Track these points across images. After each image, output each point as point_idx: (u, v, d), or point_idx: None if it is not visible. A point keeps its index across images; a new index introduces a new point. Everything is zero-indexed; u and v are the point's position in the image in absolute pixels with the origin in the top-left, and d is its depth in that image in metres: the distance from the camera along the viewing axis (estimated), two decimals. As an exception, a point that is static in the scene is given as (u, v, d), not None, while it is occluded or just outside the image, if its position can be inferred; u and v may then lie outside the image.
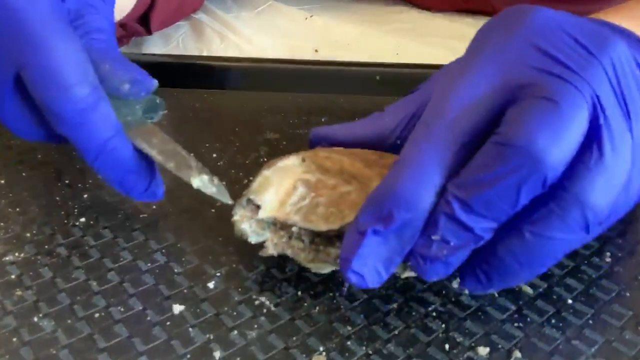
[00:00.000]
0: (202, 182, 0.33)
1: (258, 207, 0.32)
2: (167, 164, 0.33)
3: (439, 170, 0.27)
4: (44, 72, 0.31)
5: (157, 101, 0.36)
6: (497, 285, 0.28)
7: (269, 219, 0.31)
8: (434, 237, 0.27)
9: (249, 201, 0.32)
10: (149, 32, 0.57)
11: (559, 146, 0.25)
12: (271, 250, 0.31)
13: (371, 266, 0.27)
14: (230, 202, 0.33)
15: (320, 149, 0.34)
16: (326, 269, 0.31)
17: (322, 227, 0.30)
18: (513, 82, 0.27)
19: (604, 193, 0.26)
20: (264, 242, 0.32)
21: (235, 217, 0.32)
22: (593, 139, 0.26)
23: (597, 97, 0.26)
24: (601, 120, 0.26)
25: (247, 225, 0.32)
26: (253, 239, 0.32)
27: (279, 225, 0.31)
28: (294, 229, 0.31)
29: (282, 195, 0.31)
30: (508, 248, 0.27)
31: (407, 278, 0.31)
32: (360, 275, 0.27)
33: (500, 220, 0.26)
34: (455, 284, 0.29)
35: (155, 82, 0.34)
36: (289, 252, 0.31)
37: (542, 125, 0.25)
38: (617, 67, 0.27)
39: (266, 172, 0.32)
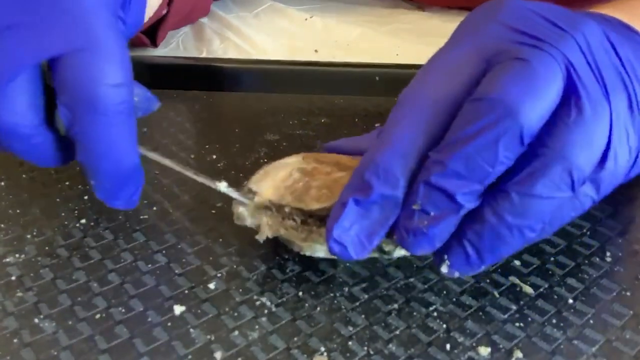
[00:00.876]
0: (223, 187, 0.33)
1: (254, 195, 0.33)
2: (186, 171, 0.34)
3: (418, 138, 0.27)
4: (98, 62, 0.29)
5: (148, 94, 0.34)
6: (487, 258, 0.28)
7: (264, 202, 0.32)
8: (414, 207, 0.27)
9: (249, 191, 0.33)
10: (155, 44, 0.56)
11: (532, 100, 0.26)
12: (266, 232, 0.32)
13: (354, 236, 0.28)
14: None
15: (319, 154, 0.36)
16: (320, 252, 0.32)
17: (313, 206, 0.31)
18: (489, 51, 0.27)
19: (585, 150, 0.26)
20: (259, 225, 0.32)
21: (238, 208, 0.33)
22: (571, 99, 0.26)
23: (571, 63, 0.27)
24: (577, 83, 0.26)
25: (244, 210, 0.33)
26: (249, 223, 0.33)
27: (274, 209, 0.32)
28: (286, 208, 0.32)
29: (278, 182, 0.33)
30: (495, 211, 0.27)
31: (406, 276, 0.31)
32: (342, 245, 0.28)
33: (482, 182, 0.26)
34: (444, 268, 0.29)
35: (158, 104, 0.34)
36: (282, 232, 0.32)
37: (515, 79, 0.26)
38: (590, 43, 0.27)
39: (266, 167, 0.35)
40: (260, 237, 0.32)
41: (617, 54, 0.28)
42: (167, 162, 0.34)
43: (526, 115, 0.26)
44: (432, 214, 0.27)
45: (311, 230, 0.32)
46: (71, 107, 0.29)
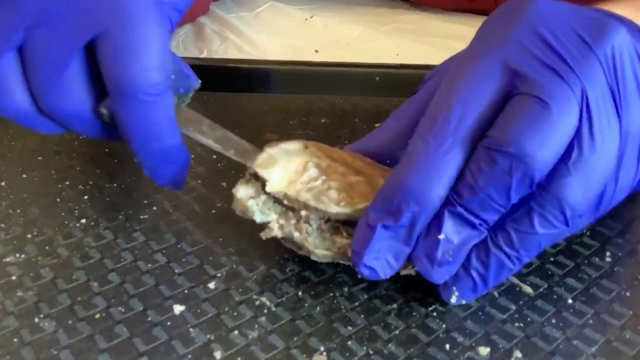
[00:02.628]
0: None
1: (264, 183, 0.31)
2: (226, 151, 0.33)
3: (447, 163, 0.27)
4: (129, 44, 0.29)
5: (185, 71, 0.34)
6: (491, 283, 0.29)
7: (278, 194, 0.30)
8: (440, 237, 0.28)
9: (254, 177, 0.31)
10: None
11: (547, 150, 0.26)
12: (276, 231, 0.31)
13: (382, 259, 0.28)
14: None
15: (320, 144, 0.34)
16: (326, 259, 0.31)
17: (334, 209, 0.30)
18: (512, 69, 0.27)
19: (583, 190, 0.27)
20: (267, 222, 0.31)
21: (239, 193, 0.31)
22: (574, 140, 0.27)
23: (589, 94, 0.26)
24: (586, 121, 0.26)
25: (253, 203, 0.31)
26: (258, 218, 0.31)
27: (287, 206, 0.31)
28: (303, 212, 0.30)
29: (291, 173, 0.31)
30: (497, 244, 0.28)
31: (406, 276, 0.31)
32: (372, 269, 0.28)
33: (495, 218, 0.28)
34: (453, 299, 0.30)
35: (198, 83, 0.34)
36: (296, 235, 0.30)
37: (531, 131, 0.26)
38: (615, 57, 0.27)
39: (270, 150, 0.32)
40: (266, 235, 0.31)
41: None
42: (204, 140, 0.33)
43: (540, 165, 0.26)
44: (455, 241, 0.28)
45: (324, 237, 0.30)
46: (108, 89, 0.30)
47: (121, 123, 0.30)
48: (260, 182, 0.31)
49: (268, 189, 0.30)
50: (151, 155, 0.31)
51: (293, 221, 0.31)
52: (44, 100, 0.30)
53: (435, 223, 0.28)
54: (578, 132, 0.26)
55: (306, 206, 0.30)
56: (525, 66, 0.27)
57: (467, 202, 0.27)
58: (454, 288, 0.29)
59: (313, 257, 0.31)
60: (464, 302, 0.30)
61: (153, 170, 0.32)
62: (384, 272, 0.29)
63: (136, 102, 0.29)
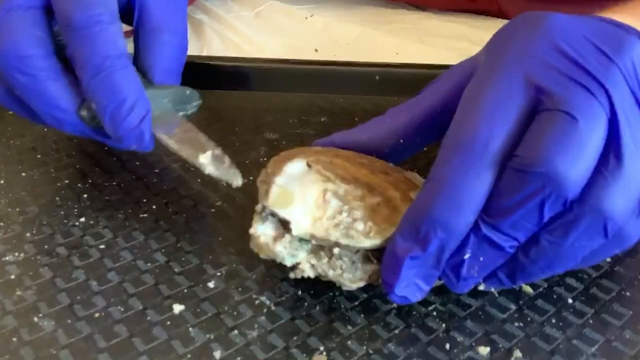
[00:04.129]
0: (206, 158, 0.32)
1: (284, 222, 0.29)
2: (181, 151, 0.33)
3: (476, 190, 0.26)
4: None
5: (187, 92, 0.36)
6: (520, 282, 0.29)
7: (306, 236, 0.29)
8: (465, 257, 0.27)
9: (272, 215, 0.29)
10: None
11: (579, 167, 0.25)
12: (308, 272, 0.29)
13: (413, 286, 0.28)
14: (239, 183, 0.33)
15: (317, 152, 0.33)
16: (357, 286, 0.30)
17: (366, 243, 0.28)
18: (536, 84, 0.26)
19: (622, 200, 0.26)
20: (297, 263, 0.30)
21: (258, 234, 0.30)
22: (610, 148, 0.26)
23: (616, 103, 0.26)
24: (619, 129, 0.26)
25: (282, 247, 0.29)
26: (289, 262, 0.29)
27: (315, 244, 0.29)
28: (335, 250, 0.29)
29: (312, 208, 0.29)
30: (527, 255, 0.27)
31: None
32: (404, 297, 0.28)
33: (528, 235, 0.27)
34: (481, 287, 0.30)
35: (200, 100, 0.38)
36: (330, 274, 0.29)
37: (561, 148, 0.25)
38: (636, 68, 0.27)
39: (279, 181, 0.29)
40: (296, 276, 0.30)
41: None
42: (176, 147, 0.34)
43: (572, 183, 0.25)
44: (481, 259, 0.27)
45: (357, 268, 0.29)
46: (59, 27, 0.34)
47: (73, 60, 0.34)
48: (278, 219, 0.30)
49: (295, 232, 0.29)
50: (101, 86, 0.33)
51: (325, 260, 0.29)
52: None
53: (463, 245, 0.27)
54: (612, 141, 0.26)
55: (337, 244, 0.29)
56: (549, 81, 0.26)
57: (497, 223, 0.26)
58: (481, 281, 0.29)
59: (344, 288, 0.30)
60: (492, 289, 0.30)
61: (113, 122, 0.33)
62: (415, 297, 0.28)
63: (77, 28, 0.33)
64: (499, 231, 0.27)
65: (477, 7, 0.66)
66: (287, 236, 0.29)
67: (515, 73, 0.27)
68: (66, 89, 0.34)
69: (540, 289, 0.31)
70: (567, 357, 0.28)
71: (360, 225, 0.28)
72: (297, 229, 0.29)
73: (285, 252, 0.29)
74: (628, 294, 0.31)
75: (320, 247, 0.29)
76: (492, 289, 0.31)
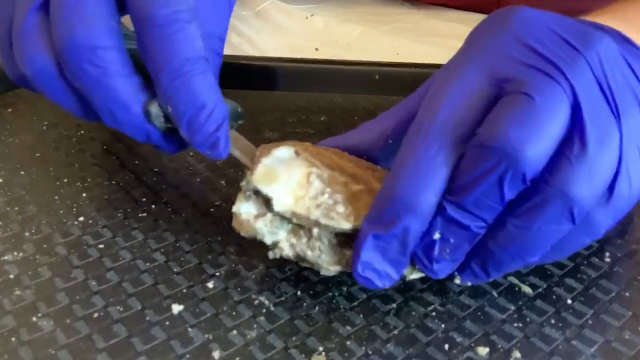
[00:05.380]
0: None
1: (266, 200, 0.29)
2: (232, 151, 0.33)
3: (437, 170, 0.27)
4: None
5: (239, 110, 0.36)
6: (494, 275, 0.29)
7: (287, 213, 0.29)
8: (435, 237, 0.28)
9: (255, 192, 0.30)
10: None
11: (535, 143, 0.26)
12: (287, 251, 0.30)
13: (379, 269, 0.28)
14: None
15: (306, 144, 0.33)
16: (336, 272, 0.30)
17: (346, 225, 0.29)
18: (499, 76, 0.27)
19: (588, 185, 0.26)
20: (277, 242, 0.30)
21: (242, 212, 0.30)
22: (575, 132, 0.26)
23: (580, 90, 0.26)
24: (584, 114, 0.26)
25: (262, 224, 0.30)
26: (269, 239, 0.30)
27: (295, 224, 0.30)
28: (314, 230, 0.29)
29: (295, 188, 0.29)
30: (496, 241, 0.28)
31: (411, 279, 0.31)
32: (367, 279, 0.28)
33: (493, 216, 0.27)
34: (457, 280, 0.30)
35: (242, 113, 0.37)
36: (308, 254, 0.30)
37: (517, 124, 0.26)
38: (603, 62, 0.27)
39: (266, 161, 0.30)
40: (275, 255, 0.30)
41: (632, 70, 0.28)
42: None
43: (528, 159, 0.26)
44: (452, 241, 0.28)
45: (335, 252, 0.30)
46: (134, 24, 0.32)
47: (144, 56, 0.32)
48: (261, 198, 0.30)
49: (276, 208, 0.29)
50: (181, 91, 0.31)
51: (304, 239, 0.30)
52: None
53: (432, 227, 0.28)
54: (576, 127, 0.26)
55: (317, 224, 0.29)
56: (512, 70, 0.27)
57: (460, 201, 0.27)
58: (456, 272, 0.30)
59: (323, 272, 0.30)
60: (469, 283, 0.31)
61: (190, 123, 0.32)
62: (382, 282, 0.28)
63: (160, 25, 0.31)
64: (463, 210, 0.27)
65: (470, 3, 0.66)
66: (269, 214, 0.30)
67: (479, 65, 0.28)
68: (134, 87, 0.33)
69: (540, 290, 0.31)
70: (566, 358, 0.28)
71: (340, 208, 0.29)
72: (279, 205, 0.29)
73: (266, 230, 0.30)
74: (627, 294, 0.31)
75: (300, 227, 0.30)
76: (469, 284, 0.31)
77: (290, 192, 0.29)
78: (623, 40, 0.29)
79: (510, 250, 0.28)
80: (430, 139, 0.27)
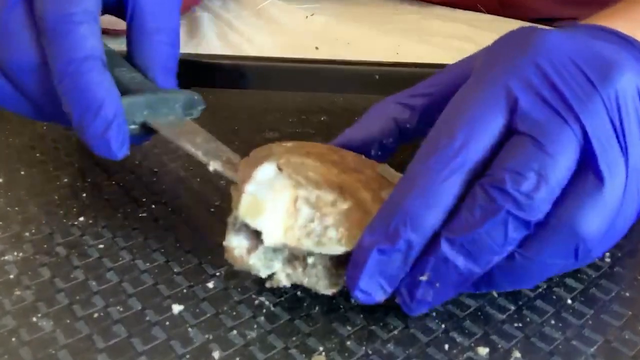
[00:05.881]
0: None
1: (256, 233, 0.29)
2: (213, 165, 0.32)
3: (446, 191, 0.27)
4: None
5: (195, 97, 0.36)
6: (484, 290, 0.30)
7: (279, 246, 0.29)
8: (422, 278, 0.27)
9: (245, 225, 0.29)
10: None
11: (543, 190, 0.26)
12: (284, 282, 0.30)
13: (377, 283, 0.28)
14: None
15: (288, 150, 0.32)
16: (331, 293, 0.30)
17: (338, 250, 0.28)
18: (515, 105, 0.27)
19: (597, 221, 0.26)
20: (272, 273, 0.30)
21: (232, 246, 0.29)
22: (585, 170, 0.26)
23: (592, 130, 0.26)
24: (597, 153, 0.26)
25: (256, 260, 0.29)
26: (264, 273, 0.29)
27: (289, 254, 0.29)
28: (309, 259, 0.29)
29: (284, 217, 0.29)
30: (498, 267, 0.27)
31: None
32: (368, 293, 0.28)
33: (491, 260, 0.27)
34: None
35: (204, 104, 0.37)
36: (305, 282, 0.29)
37: (527, 170, 0.26)
38: (620, 99, 0.27)
39: (250, 188, 0.29)
40: (272, 285, 0.30)
41: None
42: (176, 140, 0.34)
43: (535, 207, 0.26)
44: (438, 285, 0.27)
45: (331, 274, 0.29)
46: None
47: (49, 60, 0.33)
48: (251, 229, 0.29)
49: (267, 242, 0.28)
50: (71, 89, 0.32)
51: (300, 269, 0.30)
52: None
53: (420, 263, 0.27)
54: (593, 163, 0.26)
55: (310, 253, 0.29)
56: (528, 103, 0.27)
57: (459, 239, 0.26)
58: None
59: (321, 293, 0.30)
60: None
61: (78, 123, 0.33)
62: (379, 296, 0.28)
63: (51, 27, 0.32)
64: (459, 248, 0.26)
65: (471, 3, 0.66)
66: (261, 247, 0.29)
67: (498, 91, 0.27)
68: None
69: (540, 290, 0.31)
70: (566, 358, 0.28)
71: (332, 233, 0.28)
72: (269, 239, 0.28)
73: (260, 265, 0.29)
74: (627, 294, 0.31)
75: (295, 257, 0.29)
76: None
77: (279, 222, 0.29)
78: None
79: (509, 278, 0.28)
80: (445, 159, 0.27)
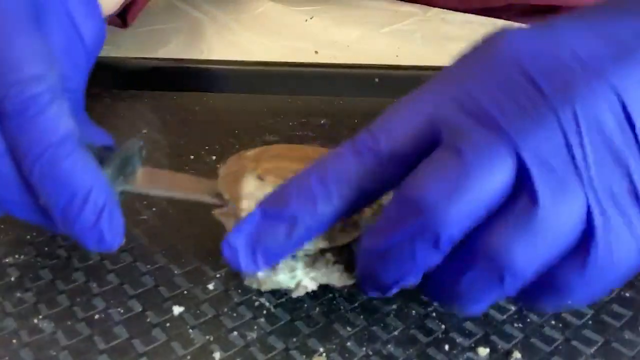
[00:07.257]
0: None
1: None
2: (188, 196, 0.32)
3: (342, 183, 0.26)
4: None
5: (140, 143, 0.32)
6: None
7: (309, 251, 0.29)
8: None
9: None
10: (125, 25, 0.55)
11: (455, 203, 0.23)
12: (310, 286, 0.30)
13: (248, 245, 0.27)
14: None
15: (255, 159, 0.32)
16: (349, 282, 0.30)
17: (345, 239, 0.28)
18: (442, 123, 0.25)
19: (527, 250, 0.23)
20: (299, 282, 0.30)
21: (275, 273, 0.29)
22: (518, 195, 0.23)
23: (530, 150, 0.23)
24: (533, 172, 0.23)
25: (282, 275, 0.29)
26: (292, 283, 0.29)
27: (307, 258, 0.29)
28: (327, 255, 0.29)
29: None
30: (430, 287, 0.27)
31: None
32: (234, 249, 0.27)
33: (408, 276, 0.25)
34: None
35: (143, 150, 0.32)
36: (327, 280, 0.30)
37: (438, 178, 0.23)
38: (580, 116, 0.23)
39: (245, 205, 0.29)
40: (301, 293, 0.30)
41: (630, 123, 0.23)
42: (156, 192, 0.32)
43: (444, 218, 0.23)
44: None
45: (341, 266, 0.29)
46: None
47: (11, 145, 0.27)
48: None
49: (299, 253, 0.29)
50: (47, 179, 0.27)
51: (323, 269, 0.29)
52: None
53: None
54: (524, 187, 0.23)
55: (323, 250, 0.29)
56: (457, 120, 0.24)
57: (379, 248, 0.25)
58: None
59: (346, 286, 0.30)
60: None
61: (63, 215, 0.27)
62: (245, 263, 0.27)
63: (15, 117, 0.27)
64: (381, 257, 0.25)
65: (488, 4, 0.66)
66: (281, 261, 0.29)
67: (424, 106, 0.25)
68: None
69: (540, 290, 0.31)
70: (566, 358, 0.28)
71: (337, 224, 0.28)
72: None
73: (287, 278, 0.29)
74: (627, 295, 0.31)
75: (314, 259, 0.30)
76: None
77: None
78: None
79: (445, 300, 0.27)
80: (357, 150, 0.26)
